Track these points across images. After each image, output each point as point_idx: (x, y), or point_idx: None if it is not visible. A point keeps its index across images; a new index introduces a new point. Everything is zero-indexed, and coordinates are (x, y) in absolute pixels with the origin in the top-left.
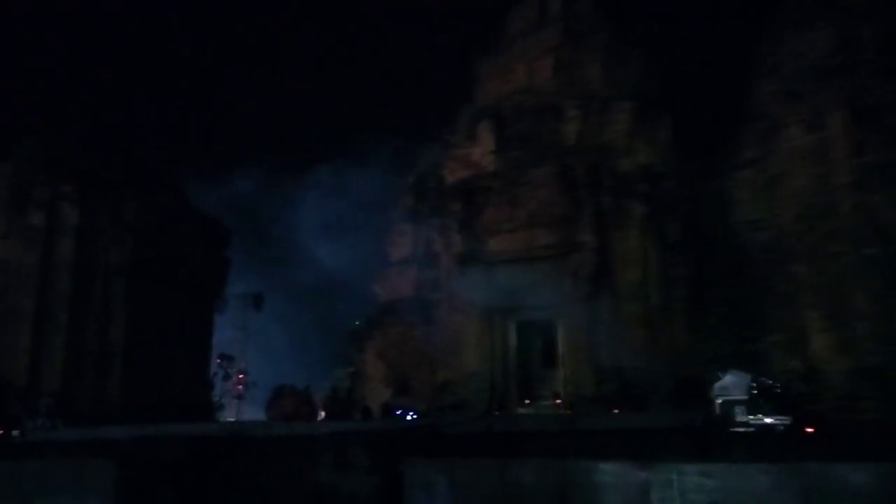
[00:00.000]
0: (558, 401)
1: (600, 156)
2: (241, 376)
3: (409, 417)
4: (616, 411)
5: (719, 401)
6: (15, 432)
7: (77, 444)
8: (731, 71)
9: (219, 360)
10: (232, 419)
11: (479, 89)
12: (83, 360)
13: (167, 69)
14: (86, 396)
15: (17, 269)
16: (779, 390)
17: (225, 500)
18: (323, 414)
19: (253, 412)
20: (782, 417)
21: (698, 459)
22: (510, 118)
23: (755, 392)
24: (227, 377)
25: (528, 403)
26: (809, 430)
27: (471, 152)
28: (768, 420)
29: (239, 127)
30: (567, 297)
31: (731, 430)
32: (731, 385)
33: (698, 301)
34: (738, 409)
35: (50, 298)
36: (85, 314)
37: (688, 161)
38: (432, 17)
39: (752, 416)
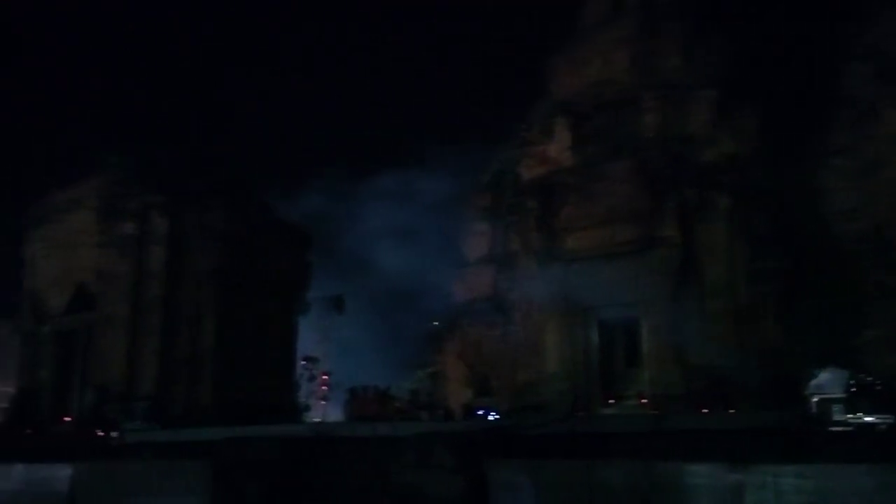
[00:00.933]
0: (643, 400)
1: (682, 147)
2: (325, 377)
3: (490, 418)
4: (705, 411)
5: (815, 399)
6: (114, 434)
7: (172, 445)
8: (820, 53)
9: (303, 362)
10: (318, 420)
11: (554, 84)
12: (175, 365)
13: (250, 80)
14: (178, 399)
15: (112, 278)
16: (879, 387)
17: (314, 498)
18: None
19: (338, 413)
20: (884, 416)
21: (794, 460)
22: (587, 112)
23: (854, 389)
24: (311, 379)
25: (611, 404)
26: None
27: (547, 148)
28: (868, 418)
29: (316, 132)
30: (650, 294)
31: (829, 429)
32: (827, 382)
33: (790, 295)
34: (835, 408)
35: (143, 305)
36: (176, 320)
37: (775, 149)
38: (506, 12)
39: (850, 415)
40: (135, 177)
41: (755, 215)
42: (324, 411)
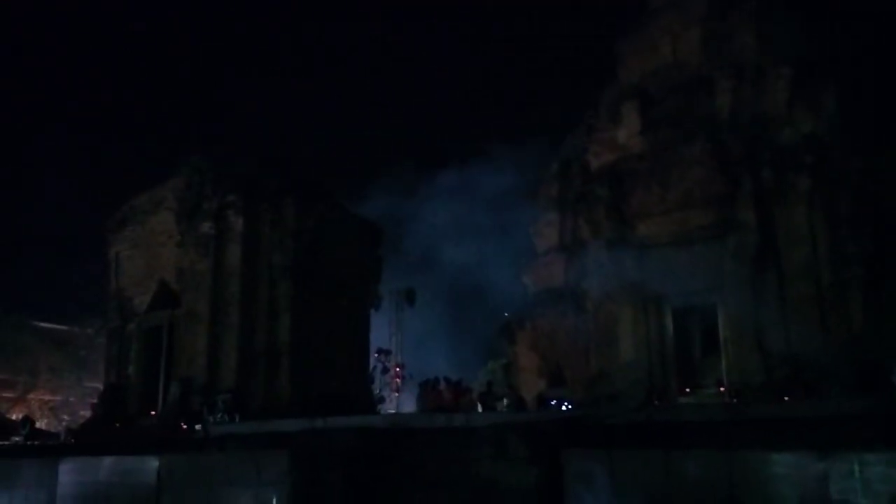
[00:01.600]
0: (722, 389)
1: (758, 128)
2: (398, 369)
3: (563, 408)
4: (787, 399)
5: None
6: (197, 427)
7: (254, 436)
8: None
9: (377, 355)
10: (392, 411)
11: (621, 68)
12: (254, 359)
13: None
14: (258, 393)
15: (192, 276)
16: None
17: (391, 489)
18: (479, 406)
19: (411, 405)
20: None
21: (884, 448)
22: (656, 96)
23: None
24: (385, 371)
25: (688, 392)
26: None
27: (616, 134)
28: None
29: (383, 129)
30: (727, 280)
31: None
32: None
33: (876, 279)
34: None
35: (222, 302)
36: (253, 315)
37: (857, 129)
38: None
39: None
40: (210, 176)
41: (837, 197)
42: (397, 403)
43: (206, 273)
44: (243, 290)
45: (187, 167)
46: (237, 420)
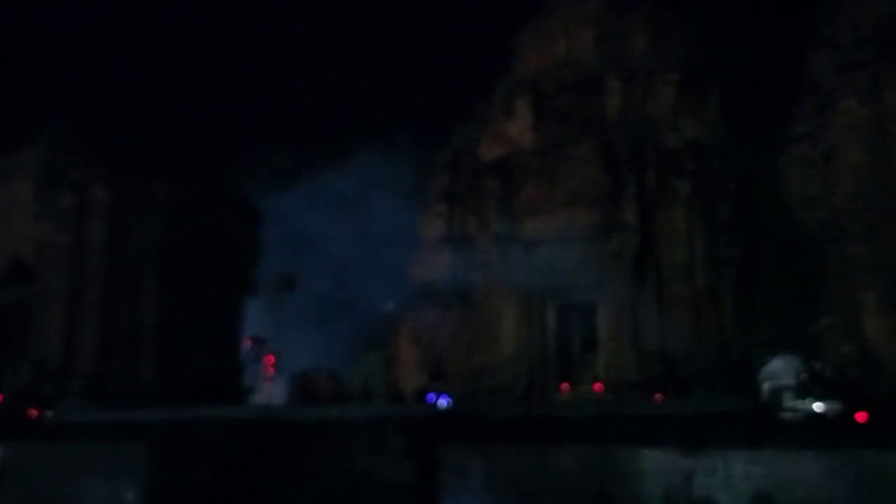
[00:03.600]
0: (599, 385)
1: (644, 131)
2: (271, 359)
3: (443, 402)
4: (660, 396)
5: (766, 386)
6: (49, 413)
7: (110, 425)
8: (784, 41)
9: (249, 343)
10: (263, 402)
11: (516, 63)
12: (116, 342)
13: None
14: (118, 378)
15: (51, 251)
16: (829, 375)
17: (261, 483)
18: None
19: (284, 396)
20: (833, 403)
21: (746, 446)
22: (549, 92)
23: (804, 377)
24: (257, 360)
25: (567, 388)
26: (862, 416)
27: (508, 128)
28: (818, 406)
29: (273, 108)
30: (608, 279)
31: (779, 415)
32: (779, 369)
33: (748, 283)
34: (786, 395)
35: (82, 280)
36: (117, 296)
37: (737, 136)
38: None
39: (801, 402)
40: (75, 146)
41: (716, 202)
42: (269, 393)
43: (66, 249)
44: (107, 269)
45: (51, 134)
46: (94, 406)
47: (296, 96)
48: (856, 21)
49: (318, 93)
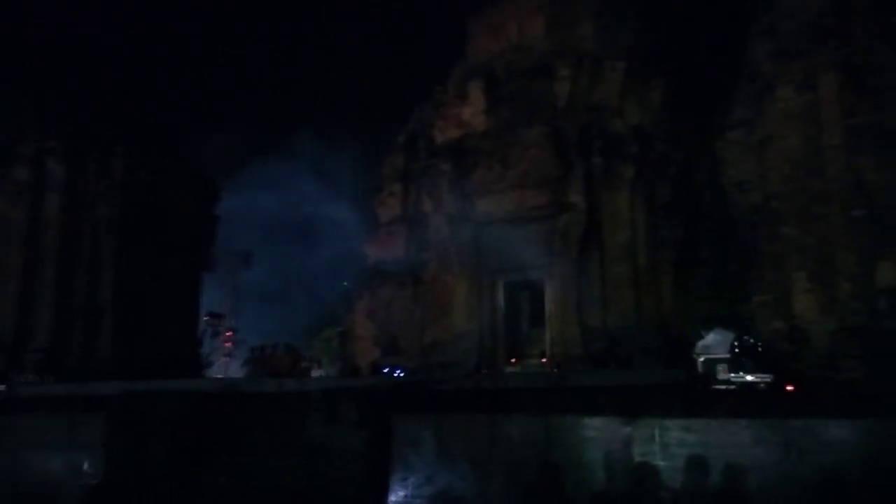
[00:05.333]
0: (545, 360)
1: (591, 116)
2: (229, 334)
3: (396, 376)
4: (602, 369)
5: (702, 359)
6: (1, 388)
7: (66, 399)
8: (726, 29)
9: (206, 318)
10: (220, 376)
11: (470, 47)
12: (72, 317)
13: (158, 23)
14: (75, 352)
15: (3, 225)
16: (761, 349)
17: (220, 454)
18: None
19: (241, 370)
20: (764, 375)
21: (681, 415)
22: (502, 77)
23: (737, 351)
24: (215, 335)
25: (515, 362)
26: (790, 387)
27: (462, 111)
28: (750, 378)
29: (231, 82)
30: (556, 259)
31: (713, 387)
32: (714, 344)
33: (687, 262)
34: (720, 367)
35: (38, 254)
36: (73, 270)
37: (679, 122)
38: None
39: (733, 374)
40: (29, 119)
41: (658, 185)
42: (227, 368)
43: (20, 223)
44: (62, 244)
45: (2, 107)
46: (50, 381)
47: (256, 75)
48: (793, 11)
49: (276, 71)
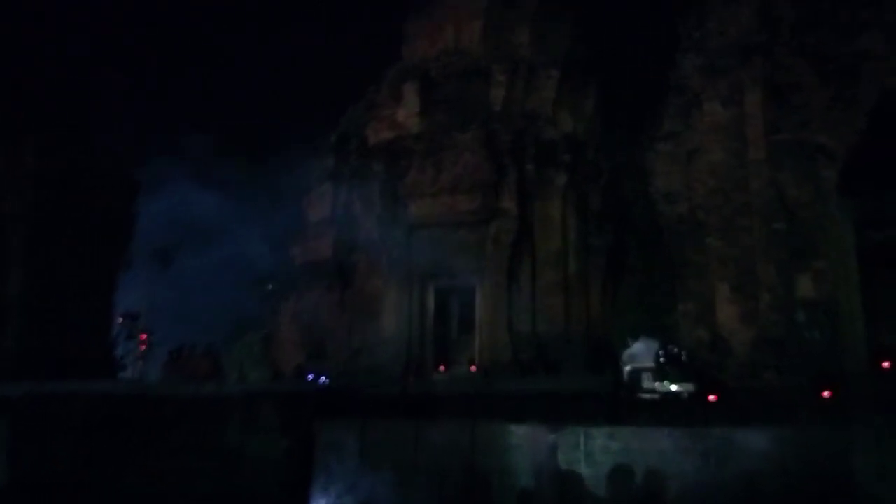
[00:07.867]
0: (473, 366)
1: (525, 123)
2: (144, 336)
3: (320, 381)
4: (530, 377)
5: (627, 368)
6: None
7: None
8: (658, 43)
9: (121, 319)
10: (133, 379)
11: (406, 48)
12: None
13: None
14: None
15: None
16: (685, 359)
17: (132, 458)
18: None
19: (156, 373)
20: (687, 385)
21: (606, 423)
22: (437, 80)
23: (662, 360)
24: (130, 336)
25: (444, 369)
26: (712, 397)
27: (395, 113)
28: (674, 387)
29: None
30: (487, 264)
31: (638, 396)
32: (639, 352)
33: (615, 271)
34: (645, 376)
35: None
36: None
37: (611, 132)
38: None
39: (658, 383)
40: None
41: (588, 193)
42: (141, 371)
43: None
44: None
45: None
46: None
47: (183, 72)
48: (722, 28)
49: (204, 67)
